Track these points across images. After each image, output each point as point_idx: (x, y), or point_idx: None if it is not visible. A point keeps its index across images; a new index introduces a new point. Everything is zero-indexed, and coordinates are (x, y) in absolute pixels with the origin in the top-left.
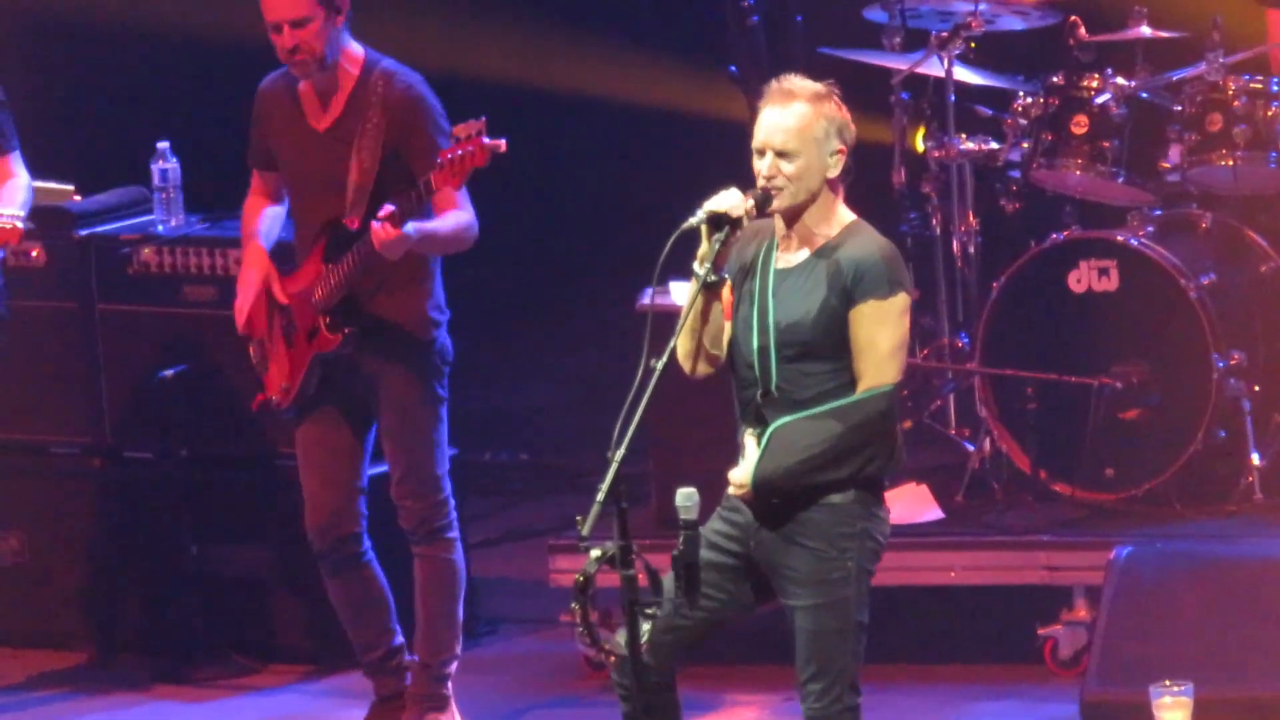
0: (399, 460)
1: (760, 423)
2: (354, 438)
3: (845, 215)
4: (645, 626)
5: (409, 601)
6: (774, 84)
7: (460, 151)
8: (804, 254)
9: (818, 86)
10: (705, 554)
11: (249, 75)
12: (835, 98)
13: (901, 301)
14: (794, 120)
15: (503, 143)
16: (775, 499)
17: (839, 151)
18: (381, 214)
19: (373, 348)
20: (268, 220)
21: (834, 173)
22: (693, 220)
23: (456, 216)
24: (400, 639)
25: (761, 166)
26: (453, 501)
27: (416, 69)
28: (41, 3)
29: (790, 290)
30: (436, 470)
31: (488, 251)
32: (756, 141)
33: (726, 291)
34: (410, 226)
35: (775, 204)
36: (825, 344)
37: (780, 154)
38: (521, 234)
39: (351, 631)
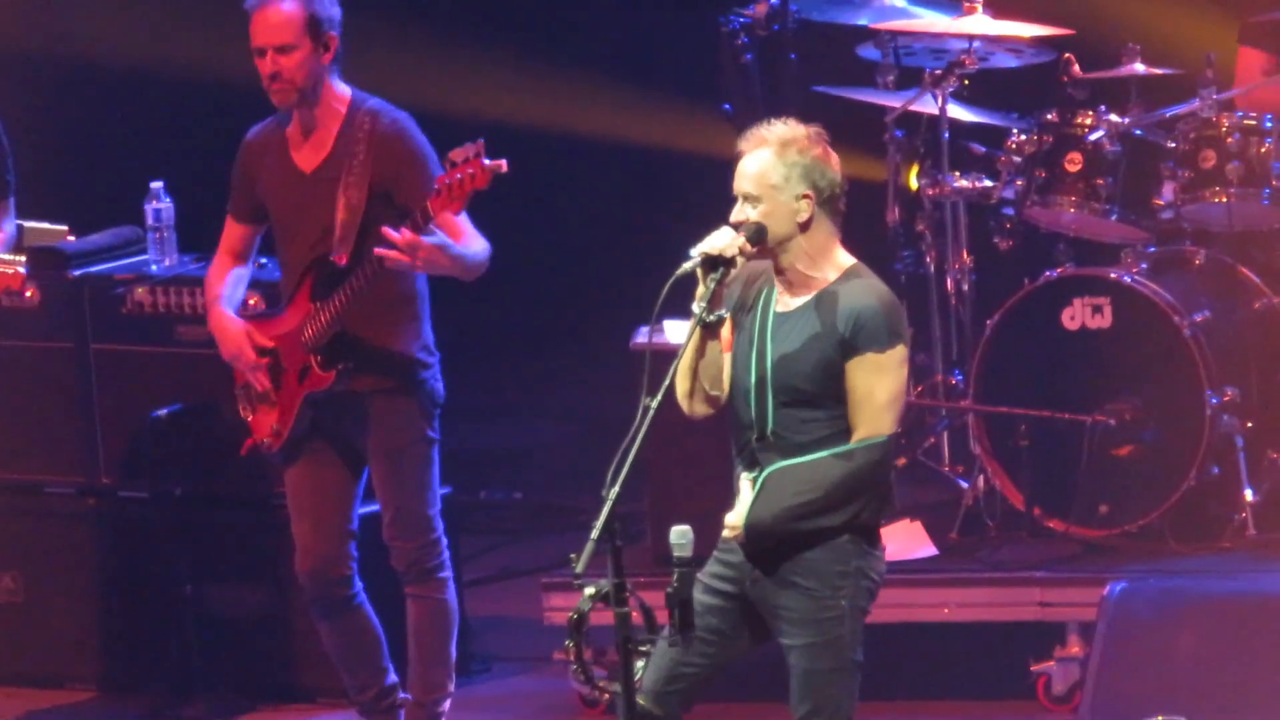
0: (390, 502)
1: (755, 466)
2: (344, 480)
3: (844, 258)
4: (640, 664)
5: (402, 639)
6: (752, 130)
7: (459, 175)
8: (802, 298)
9: (789, 132)
10: (703, 598)
11: (243, 116)
12: (809, 141)
13: (900, 353)
14: (755, 167)
15: (504, 163)
16: (768, 543)
17: (805, 196)
18: (401, 230)
19: (363, 388)
20: (230, 284)
21: (803, 217)
22: (687, 265)
23: (479, 243)
24: (394, 678)
25: (735, 211)
26: (445, 541)
27: (410, 106)
28: (36, 43)
29: (787, 334)
30: (428, 511)
31: (483, 289)
32: (734, 187)
33: (726, 330)
34: (453, 244)
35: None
36: (821, 391)
37: (746, 198)
38: (517, 272)
39: (345, 672)
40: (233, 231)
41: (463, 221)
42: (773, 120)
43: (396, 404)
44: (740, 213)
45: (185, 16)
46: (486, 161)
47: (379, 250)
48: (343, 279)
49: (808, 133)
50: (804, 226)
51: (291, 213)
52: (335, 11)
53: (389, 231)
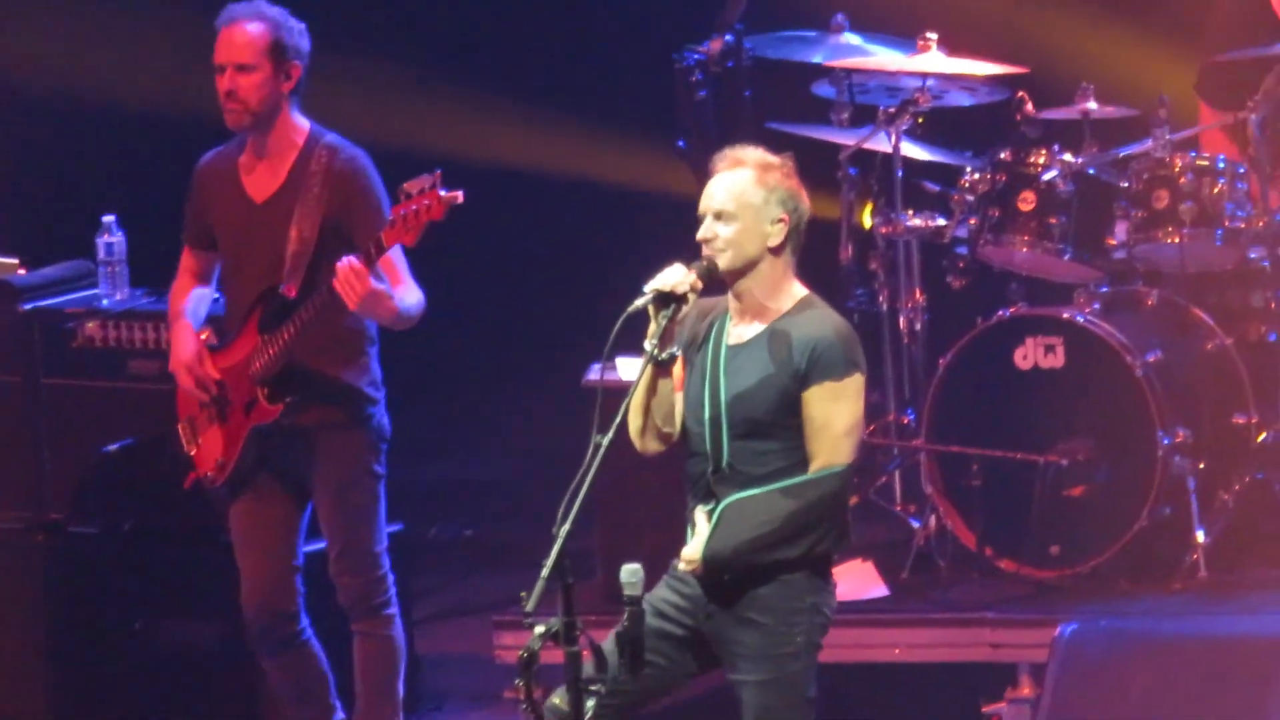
0: (336, 538)
1: (711, 499)
2: (289, 515)
3: (798, 290)
4: (590, 703)
5: (350, 676)
6: (728, 151)
7: (415, 206)
8: (755, 328)
9: (770, 157)
10: (653, 621)
11: (195, 149)
12: (786, 169)
13: (857, 381)
14: (734, 184)
15: (460, 194)
16: (726, 575)
17: (780, 220)
18: (344, 259)
19: (309, 423)
20: (194, 300)
21: (775, 241)
22: (639, 302)
23: (416, 294)
24: (341, 715)
25: (702, 231)
26: (391, 577)
27: (365, 140)
28: None
29: (741, 366)
30: (374, 548)
31: (435, 325)
32: (701, 206)
33: (678, 368)
34: (389, 289)
35: (721, 265)
36: (777, 422)
37: (718, 216)
38: (469, 308)
39: (292, 709)
40: (189, 259)
41: (403, 269)
42: (738, 146)
43: (343, 439)
44: (709, 230)
45: (138, 49)
46: (443, 192)
47: (337, 267)
48: (291, 311)
49: (784, 161)
50: (775, 250)
51: (240, 241)
52: (304, 43)
53: (341, 264)
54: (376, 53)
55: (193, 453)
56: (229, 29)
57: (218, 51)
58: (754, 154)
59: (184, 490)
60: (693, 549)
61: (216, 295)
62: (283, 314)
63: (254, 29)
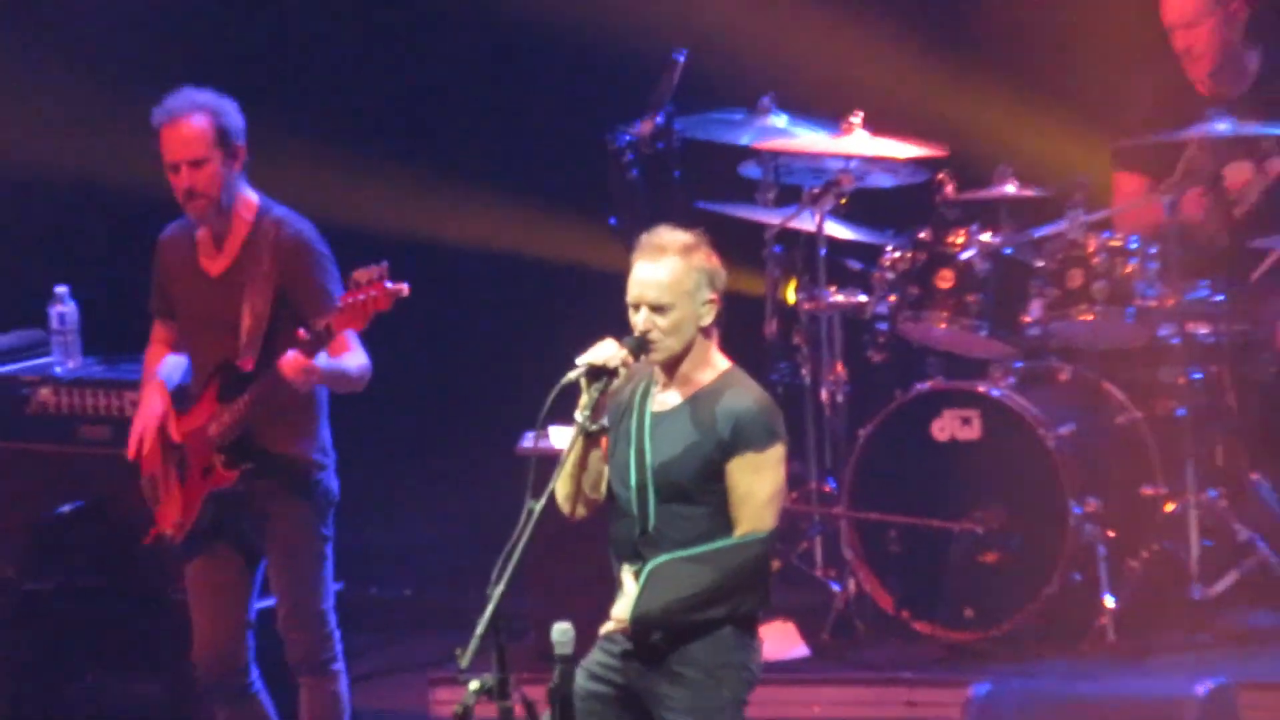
0: (286, 596)
1: (638, 559)
2: (242, 574)
3: (720, 361)
4: None
5: None
6: (645, 238)
7: (363, 296)
8: (679, 398)
9: (687, 237)
10: (587, 684)
11: (147, 222)
12: (705, 246)
13: (778, 452)
14: (666, 275)
15: (405, 287)
16: (654, 635)
17: (711, 300)
18: (289, 353)
19: (261, 488)
20: (169, 365)
21: (707, 320)
22: (572, 375)
23: (357, 359)
24: None
25: (638, 320)
26: (337, 634)
27: (314, 218)
28: None
29: (666, 433)
30: (321, 606)
31: (376, 395)
32: (631, 295)
33: (604, 439)
34: (322, 359)
35: (654, 356)
36: (701, 489)
37: (654, 308)
38: (408, 377)
39: None
40: (160, 329)
41: (351, 337)
42: (656, 228)
43: (293, 503)
44: (648, 322)
45: (87, 123)
46: (389, 285)
47: (281, 363)
48: (248, 383)
49: (700, 239)
50: (706, 331)
51: (198, 314)
52: (240, 121)
53: (284, 358)
54: (324, 135)
55: (155, 509)
56: (171, 127)
57: (166, 149)
58: (674, 239)
59: (133, 550)
60: (621, 609)
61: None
62: (239, 386)
63: (198, 122)
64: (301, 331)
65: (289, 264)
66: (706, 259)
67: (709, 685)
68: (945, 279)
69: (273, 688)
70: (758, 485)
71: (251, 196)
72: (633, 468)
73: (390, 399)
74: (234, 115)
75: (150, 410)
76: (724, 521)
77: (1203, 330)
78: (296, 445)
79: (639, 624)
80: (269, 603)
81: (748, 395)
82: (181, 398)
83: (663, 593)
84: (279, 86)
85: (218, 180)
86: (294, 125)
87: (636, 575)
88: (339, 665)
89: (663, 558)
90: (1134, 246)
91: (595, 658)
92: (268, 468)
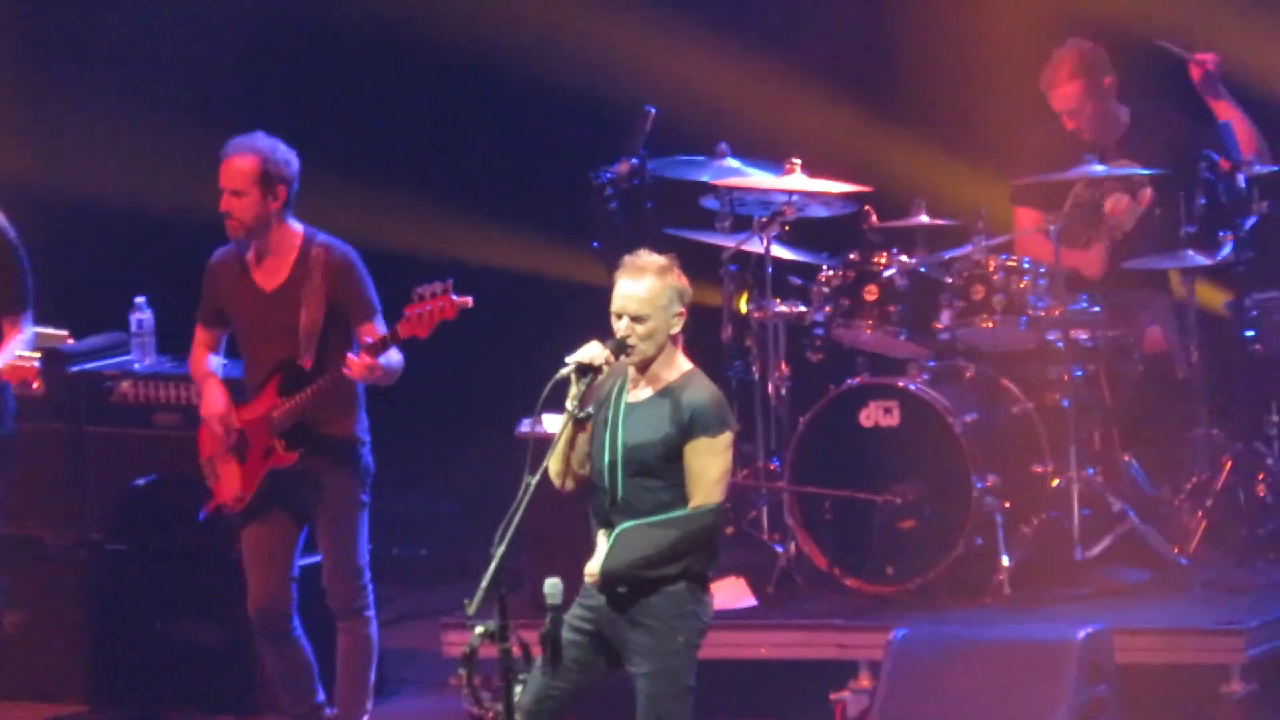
0: (330, 553)
1: (609, 525)
2: (290, 537)
3: (684, 363)
4: (518, 689)
5: (330, 665)
6: (628, 258)
7: (429, 307)
8: (649, 392)
9: (663, 261)
10: (567, 634)
11: (207, 245)
12: (676, 269)
13: (727, 438)
14: (644, 291)
15: (470, 299)
16: (620, 587)
17: (680, 314)
18: (357, 353)
19: (315, 464)
20: (214, 364)
21: (676, 329)
22: (563, 371)
23: (397, 356)
24: (322, 696)
25: (619, 327)
26: (371, 586)
27: (348, 241)
28: (43, 180)
29: (637, 421)
30: (359, 562)
31: (401, 389)
32: (614, 306)
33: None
34: (382, 359)
35: (632, 358)
36: (663, 466)
37: (634, 319)
38: (427, 376)
39: (283, 691)
40: (203, 334)
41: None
42: (638, 251)
43: (340, 476)
44: (628, 329)
45: (163, 162)
46: (454, 297)
47: (350, 361)
48: (306, 378)
49: (672, 261)
50: (674, 339)
51: (256, 323)
52: (290, 168)
53: (352, 358)
54: (359, 171)
55: (212, 486)
56: (227, 160)
57: (220, 177)
58: (652, 261)
59: (198, 516)
60: (594, 565)
61: (224, 360)
62: (299, 381)
63: (245, 162)
64: (372, 336)
65: (339, 280)
66: (678, 279)
67: (666, 632)
68: (871, 293)
69: (313, 634)
70: (710, 465)
71: (296, 226)
72: (607, 448)
73: (412, 392)
74: (282, 162)
75: (214, 402)
76: (681, 495)
77: (1083, 335)
78: (344, 427)
79: (607, 578)
80: (308, 561)
81: (705, 391)
82: (234, 390)
83: (627, 553)
84: (322, 128)
85: (251, 211)
86: (332, 162)
87: (608, 538)
88: (371, 612)
89: (629, 523)
90: (1027, 266)
91: (575, 611)
92: (320, 447)
